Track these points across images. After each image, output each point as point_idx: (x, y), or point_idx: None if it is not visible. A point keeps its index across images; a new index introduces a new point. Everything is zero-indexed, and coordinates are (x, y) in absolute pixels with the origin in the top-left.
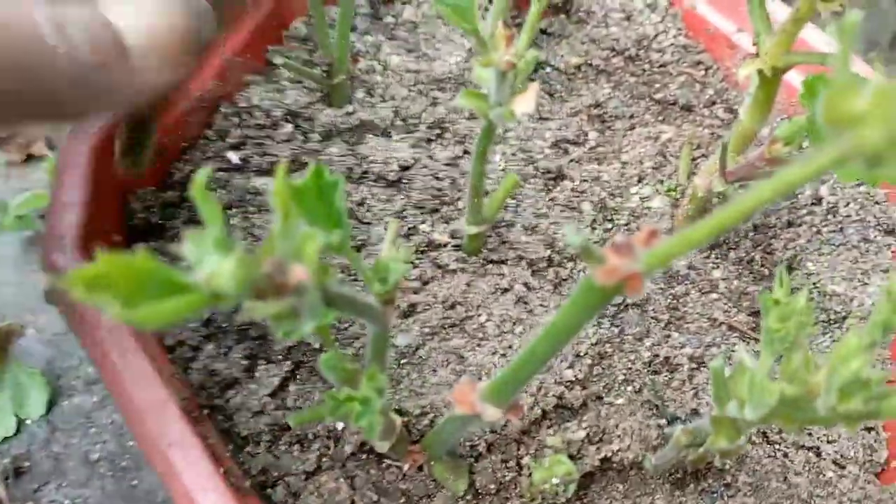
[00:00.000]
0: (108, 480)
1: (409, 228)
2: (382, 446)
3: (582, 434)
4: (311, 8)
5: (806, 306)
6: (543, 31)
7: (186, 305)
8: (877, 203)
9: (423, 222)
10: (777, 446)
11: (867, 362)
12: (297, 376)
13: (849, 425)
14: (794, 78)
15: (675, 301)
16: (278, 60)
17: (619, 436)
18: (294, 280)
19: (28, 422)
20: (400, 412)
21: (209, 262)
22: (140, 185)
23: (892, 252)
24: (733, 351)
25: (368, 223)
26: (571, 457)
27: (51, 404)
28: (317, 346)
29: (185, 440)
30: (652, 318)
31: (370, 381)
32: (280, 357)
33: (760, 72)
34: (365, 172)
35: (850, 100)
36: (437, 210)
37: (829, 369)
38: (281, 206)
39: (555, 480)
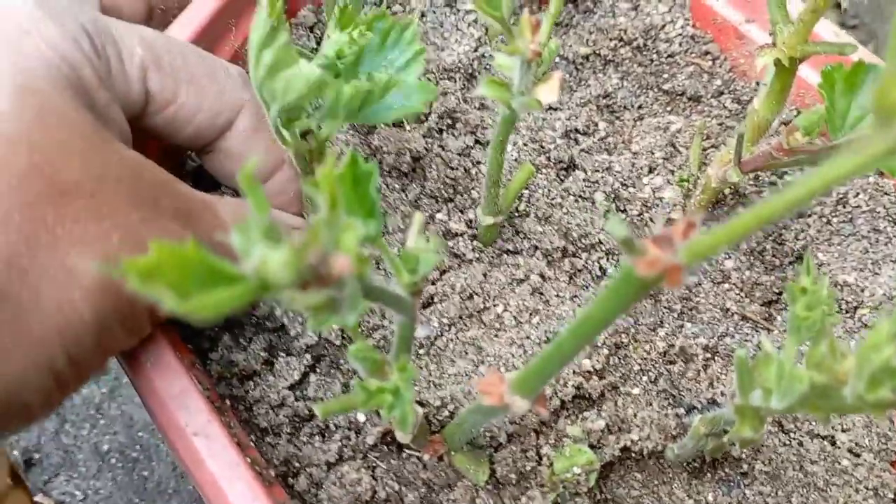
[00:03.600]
0: (118, 472)
1: (426, 217)
2: (404, 437)
3: (602, 424)
4: None
5: (828, 295)
6: None
7: (236, 295)
8: (886, 194)
9: (438, 211)
10: (792, 435)
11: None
12: (318, 369)
13: (877, 413)
14: (804, 70)
15: (687, 291)
16: None
17: (638, 425)
18: (337, 271)
19: None
20: (420, 403)
21: (257, 252)
22: None
23: None
24: (747, 341)
25: (384, 212)
26: (592, 446)
27: None
28: (336, 340)
29: (210, 429)
30: (665, 308)
31: (401, 372)
32: (300, 350)
33: (777, 62)
34: (378, 163)
35: None
36: (451, 199)
37: (860, 357)
38: (329, 196)
39: (576, 470)
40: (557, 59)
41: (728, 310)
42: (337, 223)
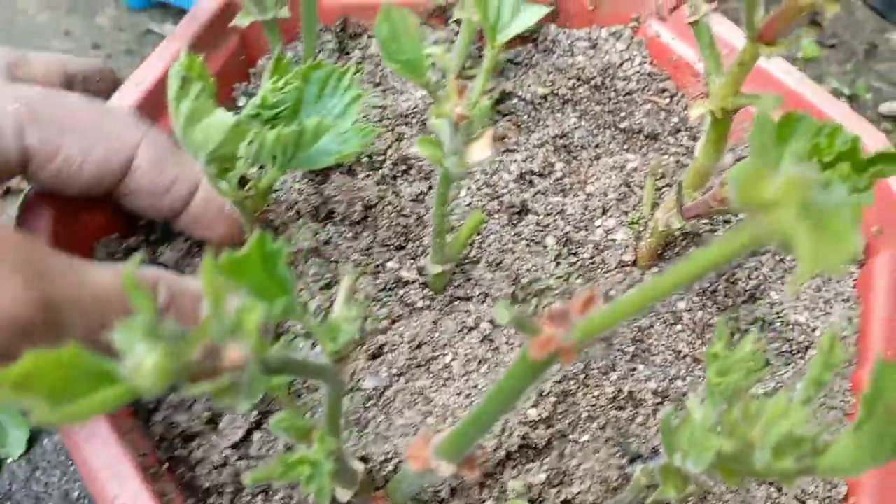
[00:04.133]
0: None
1: (377, 266)
2: (345, 495)
3: (543, 477)
4: (271, 46)
5: (751, 352)
6: (510, 61)
7: (114, 398)
8: None
9: (389, 259)
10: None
11: (802, 419)
12: (263, 425)
13: (785, 481)
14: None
15: (640, 334)
16: (241, 101)
17: (580, 477)
18: (228, 363)
19: (8, 461)
20: (364, 458)
21: (137, 352)
22: (104, 232)
23: (854, 280)
24: (697, 384)
25: (336, 261)
26: (532, 501)
27: (31, 443)
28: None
29: (140, 499)
30: (618, 350)
31: (321, 444)
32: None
33: (712, 112)
34: (331, 212)
35: (762, 186)
36: (402, 247)
37: (762, 428)
38: (210, 292)
39: None
40: (515, 100)
41: (680, 352)
42: (224, 316)
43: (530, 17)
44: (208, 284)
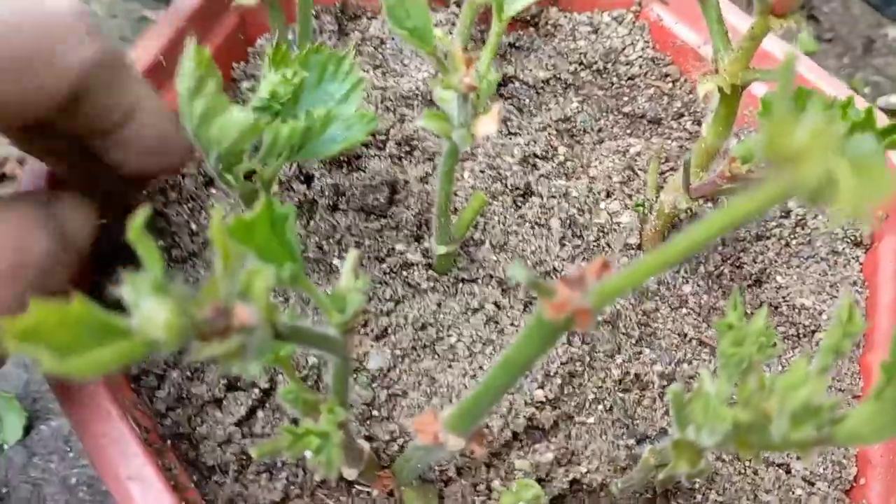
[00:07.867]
0: None
1: (389, 250)
2: (351, 473)
3: (550, 456)
4: (271, 27)
5: (764, 327)
6: (512, 45)
7: (125, 352)
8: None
9: (398, 242)
10: (747, 464)
11: (820, 388)
12: (267, 403)
13: (803, 451)
14: (760, 88)
15: (645, 317)
16: (241, 82)
17: (587, 457)
18: (238, 322)
19: (5, 447)
20: (369, 437)
21: (146, 306)
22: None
23: (860, 264)
24: (704, 367)
25: (357, 244)
26: (540, 480)
27: (28, 429)
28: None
29: (145, 473)
30: (623, 334)
31: (330, 414)
32: (249, 383)
33: (720, 88)
34: (336, 196)
35: (789, 136)
36: (409, 228)
37: (780, 397)
38: (220, 249)
39: None
40: (517, 84)
41: (686, 335)
42: (235, 274)
43: None
44: (220, 243)
